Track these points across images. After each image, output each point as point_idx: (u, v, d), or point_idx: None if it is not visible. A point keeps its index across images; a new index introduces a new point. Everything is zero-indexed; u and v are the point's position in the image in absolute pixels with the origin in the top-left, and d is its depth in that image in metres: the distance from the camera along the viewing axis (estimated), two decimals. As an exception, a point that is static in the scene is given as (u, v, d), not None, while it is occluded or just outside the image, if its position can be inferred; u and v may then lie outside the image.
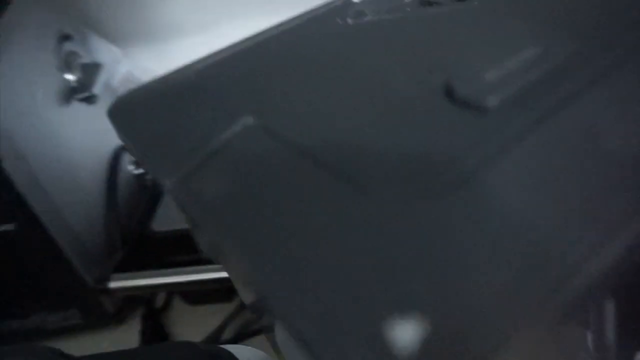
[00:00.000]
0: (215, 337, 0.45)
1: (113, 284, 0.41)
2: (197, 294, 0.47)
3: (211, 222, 0.15)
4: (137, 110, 0.23)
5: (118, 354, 0.22)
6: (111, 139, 0.52)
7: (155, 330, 0.47)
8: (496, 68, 0.14)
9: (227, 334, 0.46)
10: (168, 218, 0.45)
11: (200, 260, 0.43)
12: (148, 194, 0.49)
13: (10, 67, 0.40)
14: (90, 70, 0.48)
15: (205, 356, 0.22)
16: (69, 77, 0.46)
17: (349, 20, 0.21)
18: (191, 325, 0.48)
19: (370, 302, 0.10)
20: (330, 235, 0.12)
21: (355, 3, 0.25)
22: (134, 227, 0.47)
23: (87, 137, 0.48)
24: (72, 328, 0.48)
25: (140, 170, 0.52)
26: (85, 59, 0.48)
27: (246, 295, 0.17)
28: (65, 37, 0.47)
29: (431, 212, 0.11)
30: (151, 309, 0.48)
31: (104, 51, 0.54)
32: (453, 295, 0.10)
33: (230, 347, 0.24)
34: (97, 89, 0.47)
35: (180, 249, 0.44)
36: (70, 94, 0.46)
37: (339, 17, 0.23)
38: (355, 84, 0.17)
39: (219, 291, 0.47)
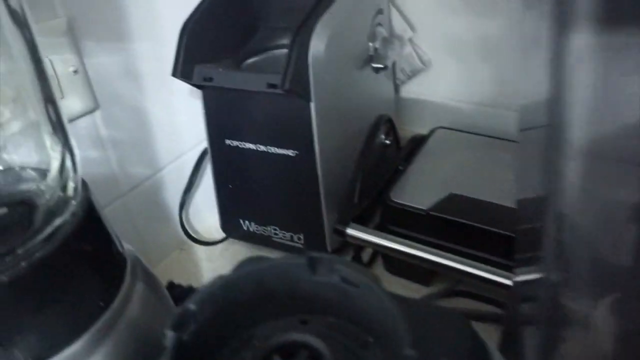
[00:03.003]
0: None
1: (351, 231, 0.48)
2: (400, 265, 0.52)
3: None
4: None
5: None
6: (377, 107, 0.58)
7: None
8: None
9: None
10: (405, 193, 0.50)
11: (415, 239, 0.48)
12: (393, 165, 0.54)
13: (346, 33, 0.47)
14: (386, 44, 0.54)
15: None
16: (372, 46, 0.52)
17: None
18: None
19: None
20: None
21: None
22: (375, 189, 0.53)
23: (363, 100, 0.54)
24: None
25: (389, 141, 0.58)
26: (385, 33, 0.55)
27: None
28: (379, 11, 0.53)
29: None
30: (358, 261, 0.54)
31: (398, 28, 0.60)
32: None
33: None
34: (389, 61, 0.53)
35: (406, 223, 0.49)
36: (368, 61, 0.52)
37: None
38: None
39: (421, 272, 0.50)
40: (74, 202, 0.30)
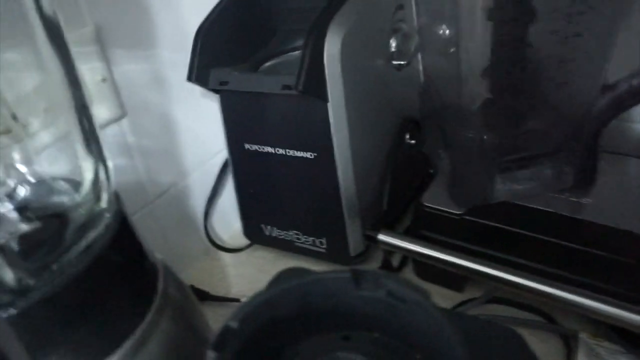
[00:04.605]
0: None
1: (382, 237, 0.46)
2: (431, 271, 0.50)
3: None
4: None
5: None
6: (402, 107, 0.57)
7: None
8: None
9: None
10: (437, 196, 0.48)
11: (448, 245, 0.46)
12: (425, 169, 0.53)
13: (363, 30, 0.46)
14: (407, 40, 0.53)
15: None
16: (393, 42, 0.51)
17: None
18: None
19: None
20: None
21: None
22: (402, 193, 0.52)
23: (386, 99, 0.53)
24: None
25: (414, 141, 0.56)
26: (407, 29, 0.53)
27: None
28: (400, 7, 0.52)
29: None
30: (388, 267, 0.53)
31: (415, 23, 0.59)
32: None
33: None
34: (409, 58, 0.52)
35: (439, 228, 0.48)
36: (390, 58, 0.51)
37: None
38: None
39: (454, 278, 0.49)
40: (107, 215, 0.29)
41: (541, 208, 0.45)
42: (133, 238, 0.31)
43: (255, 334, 0.23)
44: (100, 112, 0.42)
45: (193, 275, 0.58)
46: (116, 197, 0.30)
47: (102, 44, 0.42)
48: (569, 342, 0.45)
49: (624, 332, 0.40)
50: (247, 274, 0.58)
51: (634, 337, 0.40)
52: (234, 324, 0.22)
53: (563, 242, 0.42)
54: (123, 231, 0.30)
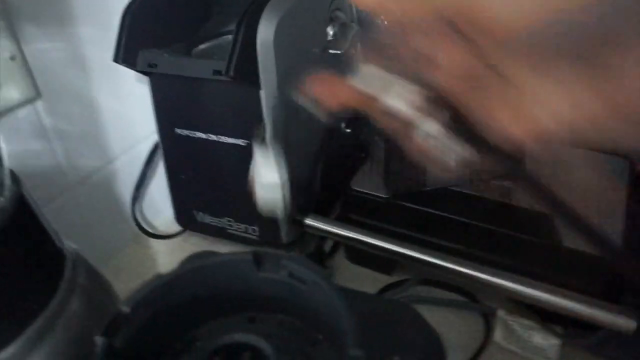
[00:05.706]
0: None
1: (309, 221, 0.46)
2: (361, 255, 0.51)
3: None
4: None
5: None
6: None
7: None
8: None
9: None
10: (366, 181, 0.49)
11: (377, 228, 0.47)
12: (355, 154, 0.53)
13: (298, 17, 0.46)
14: (344, 30, 0.52)
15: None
16: (330, 31, 0.50)
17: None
18: (348, 281, 0.52)
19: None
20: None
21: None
22: (335, 179, 0.52)
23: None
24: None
25: (349, 130, 0.56)
26: (344, 18, 0.53)
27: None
28: (338, -5, 0.51)
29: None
30: (320, 252, 0.53)
31: (353, 12, 0.59)
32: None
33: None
34: (347, 46, 0.51)
35: (366, 212, 0.48)
36: (326, 46, 0.50)
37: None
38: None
39: (383, 261, 0.50)
40: (1, 198, 0.27)
41: (464, 191, 0.47)
42: (34, 221, 0.30)
43: (151, 319, 0.23)
44: (9, 92, 0.40)
45: (122, 263, 0.56)
46: (14, 180, 0.29)
47: (9, 19, 0.39)
48: (489, 320, 0.47)
49: (537, 308, 0.42)
50: (178, 261, 0.57)
51: (546, 313, 0.42)
52: (126, 309, 0.22)
53: (485, 225, 0.44)
54: (21, 215, 0.29)
